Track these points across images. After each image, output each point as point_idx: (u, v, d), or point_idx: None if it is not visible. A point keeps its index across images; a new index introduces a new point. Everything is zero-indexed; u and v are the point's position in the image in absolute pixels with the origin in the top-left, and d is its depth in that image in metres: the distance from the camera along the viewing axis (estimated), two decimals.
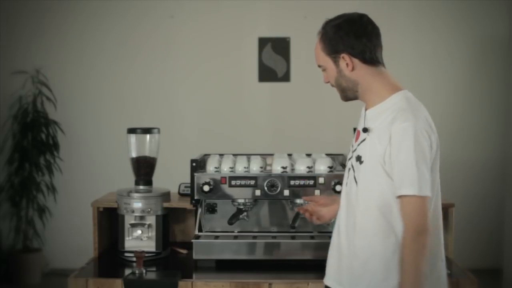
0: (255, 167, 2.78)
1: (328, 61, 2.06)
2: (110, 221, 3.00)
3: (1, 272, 5.23)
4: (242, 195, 2.73)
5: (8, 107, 5.38)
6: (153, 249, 2.82)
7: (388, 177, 1.95)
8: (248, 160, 2.84)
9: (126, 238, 2.82)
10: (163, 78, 5.50)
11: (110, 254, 2.93)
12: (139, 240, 2.81)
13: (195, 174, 2.74)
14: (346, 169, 2.13)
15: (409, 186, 1.90)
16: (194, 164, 2.76)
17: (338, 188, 2.65)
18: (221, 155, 2.92)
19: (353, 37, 2.02)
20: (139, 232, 2.81)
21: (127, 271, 2.61)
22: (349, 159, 2.11)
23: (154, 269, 2.71)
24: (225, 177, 2.72)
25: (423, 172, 1.91)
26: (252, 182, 2.71)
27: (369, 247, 1.99)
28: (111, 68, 5.48)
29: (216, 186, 2.72)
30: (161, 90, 5.51)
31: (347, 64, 2.03)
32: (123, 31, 5.46)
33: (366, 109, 2.08)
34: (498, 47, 5.38)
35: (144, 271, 2.55)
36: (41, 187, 5.30)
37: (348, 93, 2.09)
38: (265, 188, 2.70)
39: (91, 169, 5.46)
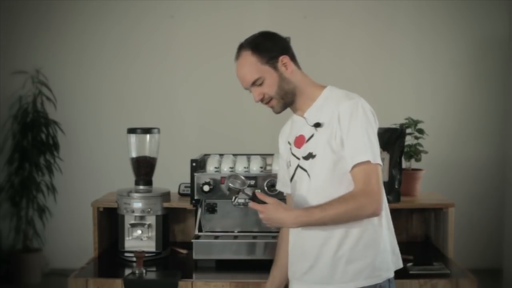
0: (255, 167, 2.78)
1: (266, 70, 2.09)
2: (110, 221, 3.00)
3: (1, 272, 5.23)
4: (242, 195, 2.73)
5: (8, 107, 5.39)
6: (153, 249, 2.82)
7: (342, 158, 2.00)
8: (248, 160, 2.84)
9: (126, 238, 2.82)
10: (163, 78, 5.50)
11: (110, 254, 2.93)
12: (139, 240, 2.81)
13: (195, 174, 2.74)
14: (294, 178, 2.14)
15: (363, 154, 1.96)
16: (194, 164, 2.77)
17: None
18: (221, 155, 2.92)
19: (280, 41, 2.15)
20: (139, 232, 2.81)
21: (127, 271, 2.61)
22: (296, 167, 2.12)
23: (154, 269, 2.71)
24: (225, 177, 2.72)
25: (373, 142, 1.99)
26: (252, 182, 2.71)
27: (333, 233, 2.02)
28: (111, 68, 5.48)
29: (216, 186, 2.72)
30: (161, 90, 5.51)
31: (285, 67, 2.10)
32: (123, 31, 5.47)
33: (299, 115, 2.14)
34: (498, 47, 5.38)
35: (144, 271, 2.55)
36: (41, 187, 5.30)
37: (287, 98, 2.11)
38: (265, 188, 2.71)
39: (91, 169, 5.46)
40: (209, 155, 2.94)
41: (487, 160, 5.46)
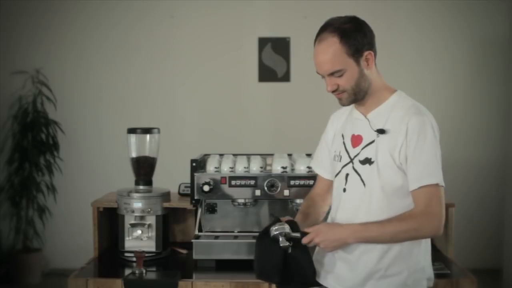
0: (255, 167, 2.78)
1: (349, 63, 1.98)
2: (110, 221, 3.00)
3: (1, 272, 5.23)
4: (242, 195, 2.73)
5: (8, 107, 5.39)
6: (153, 249, 2.82)
7: (400, 171, 1.97)
8: (248, 160, 2.84)
9: (126, 238, 2.82)
10: (163, 78, 5.50)
11: (110, 254, 2.93)
12: (139, 240, 2.81)
13: (195, 174, 2.74)
14: (341, 175, 2.11)
15: (432, 176, 1.94)
16: (194, 164, 2.76)
17: None
18: (221, 155, 2.92)
19: (369, 33, 2.02)
20: (139, 232, 2.81)
21: (127, 271, 2.61)
22: (345, 165, 2.08)
23: (154, 269, 2.71)
24: (225, 177, 2.73)
25: (440, 163, 1.98)
26: (252, 182, 2.71)
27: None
28: (111, 68, 5.48)
29: (216, 186, 2.72)
30: (161, 90, 5.51)
31: (367, 62, 2.00)
32: (123, 31, 5.46)
33: (361, 112, 2.08)
34: (498, 48, 5.38)
35: (144, 271, 2.55)
36: (41, 187, 5.29)
37: (359, 95, 2.03)
38: (265, 188, 2.70)
39: (91, 169, 5.46)
40: (209, 155, 2.94)
41: (487, 160, 5.45)
